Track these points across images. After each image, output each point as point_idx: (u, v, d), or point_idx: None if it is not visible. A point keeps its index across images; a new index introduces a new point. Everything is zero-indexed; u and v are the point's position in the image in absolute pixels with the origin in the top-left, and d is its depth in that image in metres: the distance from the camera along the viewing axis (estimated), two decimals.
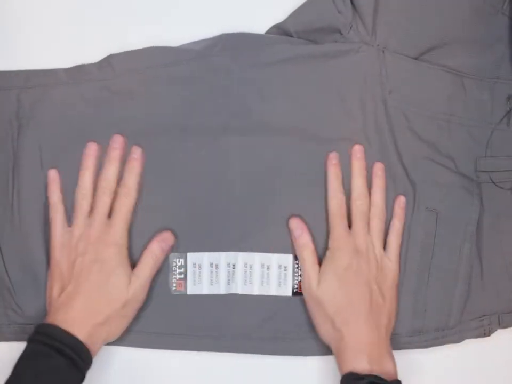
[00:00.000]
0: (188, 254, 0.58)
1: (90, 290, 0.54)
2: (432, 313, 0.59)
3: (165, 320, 0.59)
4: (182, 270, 0.59)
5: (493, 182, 0.60)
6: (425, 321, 0.59)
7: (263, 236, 0.58)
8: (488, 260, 0.60)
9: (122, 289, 0.55)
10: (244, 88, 0.58)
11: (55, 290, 0.55)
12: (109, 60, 0.58)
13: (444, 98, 0.59)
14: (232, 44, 0.58)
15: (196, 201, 0.58)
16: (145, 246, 0.57)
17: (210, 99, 0.58)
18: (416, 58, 0.59)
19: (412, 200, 0.59)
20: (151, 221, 0.58)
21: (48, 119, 0.58)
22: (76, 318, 0.53)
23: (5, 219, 0.58)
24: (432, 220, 0.59)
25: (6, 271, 0.58)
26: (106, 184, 0.57)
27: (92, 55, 0.59)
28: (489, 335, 0.60)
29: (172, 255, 0.58)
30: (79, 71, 0.58)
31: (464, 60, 0.59)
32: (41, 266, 0.57)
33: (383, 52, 0.58)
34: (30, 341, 0.52)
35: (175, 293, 0.59)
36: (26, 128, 0.58)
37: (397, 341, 0.58)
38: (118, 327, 0.56)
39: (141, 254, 0.57)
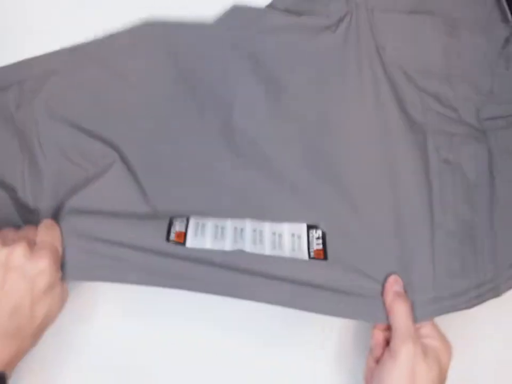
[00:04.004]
0: (191, 216, 0.55)
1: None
2: (469, 270, 0.55)
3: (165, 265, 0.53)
4: (183, 225, 0.54)
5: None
6: (464, 279, 0.55)
7: (274, 208, 0.56)
8: (505, 206, 0.57)
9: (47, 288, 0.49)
10: (237, 57, 0.57)
11: None
12: (107, 38, 0.57)
13: (438, 49, 0.58)
14: (226, 17, 0.58)
15: (200, 175, 0.57)
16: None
17: (206, 70, 0.58)
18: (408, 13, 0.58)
19: (426, 150, 0.57)
20: (155, 200, 0.56)
21: (46, 98, 0.57)
22: None
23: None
24: (446, 171, 0.57)
25: None
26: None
27: None
28: None
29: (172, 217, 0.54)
30: (78, 50, 0.58)
31: (457, 10, 0.59)
32: None
33: (372, 11, 0.58)
34: None
35: (171, 243, 0.53)
36: (25, 106, 0.57)
37: (441, 305, 0.54)
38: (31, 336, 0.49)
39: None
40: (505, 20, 0.59)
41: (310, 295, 0.52)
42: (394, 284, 0.53)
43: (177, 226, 0.54)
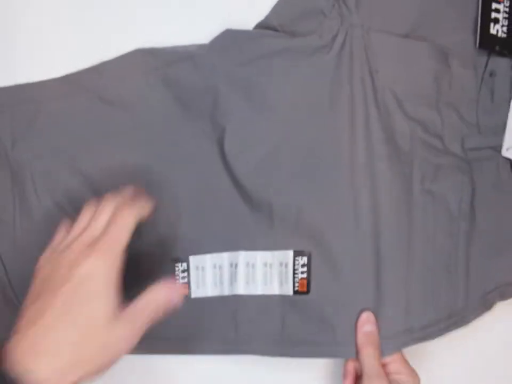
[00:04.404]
0: (190, 257, 0.57)
1: (57, 316, 0.42)
2: (442, 301, 0.57)
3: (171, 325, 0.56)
4: (185, 274, 0.58)
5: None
6: (436, 310, 0.57)
7: (264, 234, 0.57)
8: (484, 236, 0.59)
9: (101, 327, 0.42)
10: (229, 86, 0.57)
11: (30, 297, 0.45)
12: (98, 68, 0.57)
13: (430, 76, 0.58)
14: (218, 42, 0.57)
15: (194, 204, 0.58)
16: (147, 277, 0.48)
17: (200, 99, 0.57)
18: (403, 37, 0.58)
19: (410, 181, 0.58)
20: (151, 227, 0.56)
21: (42, 133, 0.57)
22: (38, 353, 0.41)
23: (7, 234, 0.57)
24: (429, 202, 0.58)
25: (12, 289, 0.57)
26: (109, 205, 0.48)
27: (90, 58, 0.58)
28: (489, 309, 0.59)
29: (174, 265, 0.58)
30: (69, 80, 0.57)
31: (449, 39, 0.59)
32: None
33: (368, 32, 0.57)
34: None
35: None
36: (21, 142, 0.57)
37: (411, 337, 0.56)
38: (89, 371, 0.42)
39: (142, 294, 0.46)
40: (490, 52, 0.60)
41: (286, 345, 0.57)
42: (365, 323, 0.55)
43: (181, 278, 0.57)
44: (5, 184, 0.57)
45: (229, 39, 0.57)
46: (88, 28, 0.58)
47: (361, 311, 0.55)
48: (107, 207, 0.48)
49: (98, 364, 0.42)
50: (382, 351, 0.55)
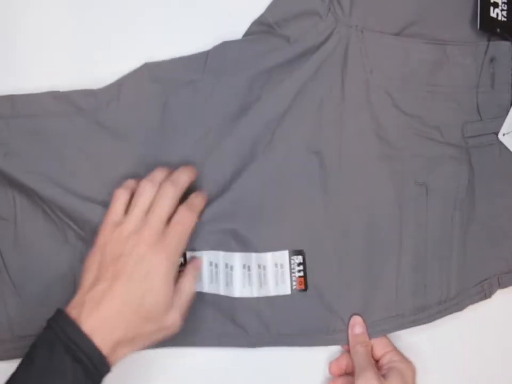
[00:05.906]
0: (187, 252, 0.57)
1: (126, 299, 0.48)
2: (433, 288, 0.59)
3: None
4: (182, 268, 0.57)
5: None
6: (427, 297, 0.59)
7: (259, 234, 0.58)
8: (483, 224, 0.60)
9: (161, 313, 0.49)
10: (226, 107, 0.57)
11: (88, 279, 0.49)
12: (97, 91, 0.56)
13: (426, 69, 0.59)
14: (215, 62, 0.57)
15: None
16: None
17: (199, 124, 0.57)
18: (397, 34, 0.58)
19: (401, 176, 0.59)
20: None
21: (35, 152, 0.56)
22: (103, 326, 0.47)
23: (8, 232, 0.57)
24: (422, 194, 0.59)
25: (14, 286, 0.57)
26: (171, 185, 0.51)
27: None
28: (490, 296, 0.61)
29: None
30: (66, 100, 0.56)
31: (445, 31, 0.59)
32: (48, 280, 0.57)
33: (362, 32, 0.57)
34: (49, 329, 0.47)
35: None
36: (13, 156, 0.55)
37: (402, 322, 0.59)
38: (142, 345, 0.50)
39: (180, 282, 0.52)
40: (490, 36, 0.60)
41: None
42: (354, 326, 0.59)
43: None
44: (3, 183, 0.56)
45: (225, 56, 0.57)
46: (88, 27, 0.58)
47: (352, 315, 0.59)
48: (169, 194, 0.51)
49: (152, 341, 0.51)
50: (372, 335, 0.59)
